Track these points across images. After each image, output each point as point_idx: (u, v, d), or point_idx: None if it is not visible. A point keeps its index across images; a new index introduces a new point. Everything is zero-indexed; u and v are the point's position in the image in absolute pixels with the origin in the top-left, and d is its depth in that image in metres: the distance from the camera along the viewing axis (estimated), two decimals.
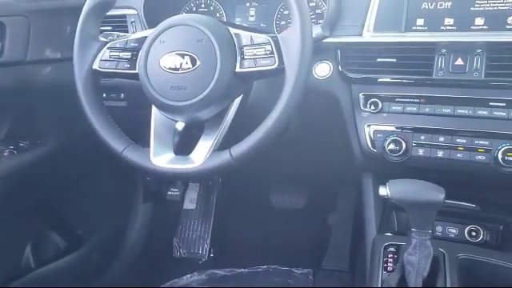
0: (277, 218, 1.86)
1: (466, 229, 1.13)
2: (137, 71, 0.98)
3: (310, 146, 1.37)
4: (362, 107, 1.10)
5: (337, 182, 1.78)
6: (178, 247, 1.83)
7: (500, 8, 1.00)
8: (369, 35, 1.08)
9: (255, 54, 0.92)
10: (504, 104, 1.00)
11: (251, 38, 0.93)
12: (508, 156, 0.98)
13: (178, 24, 0.95)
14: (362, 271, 1.14)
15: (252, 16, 1.31)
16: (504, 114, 1.00)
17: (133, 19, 1.28)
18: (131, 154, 0.99)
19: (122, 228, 1.81)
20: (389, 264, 1.01)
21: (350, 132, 1.14)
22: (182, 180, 1.49)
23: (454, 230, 1.14)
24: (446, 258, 0.96)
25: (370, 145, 1.10)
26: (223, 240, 1.86)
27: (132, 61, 1.00)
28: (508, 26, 0.99)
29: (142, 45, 0.98)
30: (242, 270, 1.73)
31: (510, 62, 0.99)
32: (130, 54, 1.01)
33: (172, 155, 0.98)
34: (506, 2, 0.99)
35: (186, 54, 0.92)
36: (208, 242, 1.82)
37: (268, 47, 0.92)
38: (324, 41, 1.09)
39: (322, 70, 1.14)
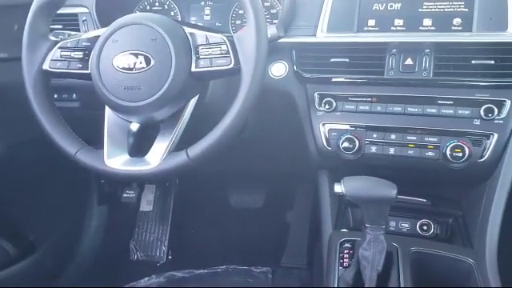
0: (235, 218, 1.87)
1: (418, 223, 1.17)
2: (89, 71, 0.95)
3: (268, 145, 1.38)
4: (317, 106, 1.12)
5: (294, 180, 1.80)
6: (134, 250, 1.80)
7: (446, 10, 1.04)
8: (322, 35, 1.10)
9: (211, 54, 0.92)
10: (451, 102, 1.04)
11: (206, 38, 0.93)
12: (456, 152, 1.02)
13: (131, 23, 0.94)
14: (320, 267, 1.15)
15: (207, 15, 1.31)
16: (451, 111, 1.04)
17: (84, 18, 1.25)
18: (84, 157, 0.96)
19: (76, 232, 1.76)
20: (345, 260, 1.03)
21: (306, 130, 1.15)
22: (138, 182, 1.47)
23: (406, 225, 1.18)
24: (399, 251, 0.99)
25: (325, 143, 1.12)
26: (181, 241, 1.85)
27: (84, 61, 0.97)
28: (453, 27, 1.03)
29: (94, 44, 0.95)
30: (201, 270, 1.72)
31: (456, 62, 1.03)
32: (81, 53, 0.98)
33: (127, 157, 0.96)
34: (452, 4, 1.03)
35: (140, 54, 0.91)
36: (166, 243, 1.80)
37: (224, 47, 0.92)
38: (279, 41, 1.10)
39: (278, 69, 1.15)
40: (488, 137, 1.01)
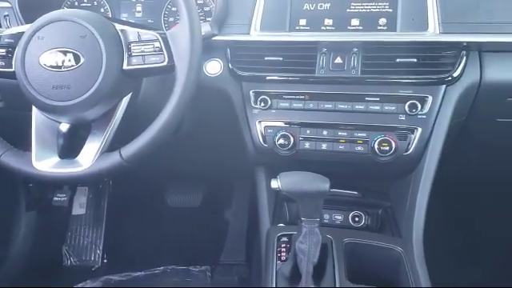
0: (173, 218, 1.84)
1: (350, 215, 1.22)
2: (13, 69, 0.91)
3: (205, 143, 1.37)
4: (252, 104, 1.13)
5: (231, 177, 1.81)
6: (67, 255, 1.73)
7: (372, 10, 1.09)
8: (256, 34, 1.12)
9: (143, 51, 0.90)
10: (378, 99, 1.09)
11: (138, 35, 0.91)
12: (383, 146, 1.07)
13: (58, 19, 0.90)
14: (258, 263, 1.17)
15: (139, 12, 1.28)
16: (378, 107, 1.09)
17: (6, 13, 1.18)
18: (10, 159, 0.91)
19: (4, 239, 1.66)
20: (282, 254, 1.04)
21: (242, 128, 1.16)
22: (69, 184, 1.41)
23: (339, 217, 1.23)
24: (334, 243, 1.02)
25: (261, 140, 1.13)
26: (117, 244, 1.80)
27: (7, 58, 0.92)
28: (379, 27, 1.08)
29: (18, 41, 0.90)
30: (139, 273, 1.69)
31: (381, 60, 1.08)
32: (4, 50, 0.93)
33: (57, 159, 0.93)
34: (377, 5, 1.08)
35: (69, 51, 0.88)
36: (101, 247, 1.75)
37: (157, 44, 0.90)
38: (213, 39, 1.11)
39: (213, 67, 1.15)
40: (412, 131, 1.07)
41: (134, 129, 0.91)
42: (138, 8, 1.28)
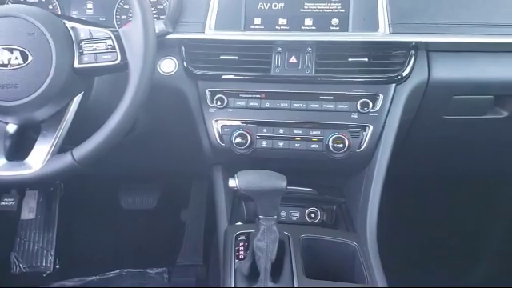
0: (128, 220, 1.81)
1: (306, 211, 1.24)
2: None
3: (160, 143, 1.35)
4: (209, 103, 1.13)
5: (188, 177, 1.79)
6: (16, 262, 1.66)
7: (325, 10, 1.11)
8: (211, 33, 1.11)
9: (95, 49, 0.88)
10: (332, 97, 1.11)
11: (90, 32, 0.89)
12: (337, 143, 1.10)
13: (3, 15, 0.86)
14: (216, 262, 1.17)
15: (90, 9, 1.24)
16: (332, 106, 1.11)
17: None
18: None
19: None
20: (240, 252, 1.04)
21: (199, 127, 1.15)
22: (18, 188, 1.36)
23: (296, 214, 1.24)
24: (291, 239, 1.03)
25: (218, 139, 1.13)
26: (70, 249, 1.74)
27: None
28: (332, 27, 1.10)
29: None
30: (93, 277, 1.64)
31: (334, 60, 1.10)
32: None
33: (4, 161, 0.89)
34: (330, 5, 1.10)
35: (16, 49, 0.84)
36: (52, 252, 1.68)
37: (109, 42, 0.88)
38: (168, 37, 1.09)
39: (168, 66, 1.13)
40: (364, 128, 1.10)
41: (87, 129, 0.89)
42: (89, 5, 1.24)
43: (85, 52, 0.88)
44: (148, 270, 1.68)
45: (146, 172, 1.66)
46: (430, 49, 1.12)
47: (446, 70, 1.13)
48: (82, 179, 1.41)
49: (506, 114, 1.20)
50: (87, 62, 0.88)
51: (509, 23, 1.09)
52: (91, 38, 0.88)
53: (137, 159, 1.46)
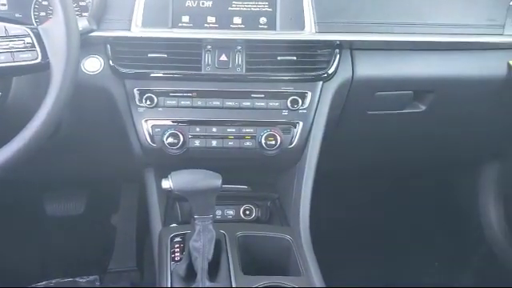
0: (54, 228, 1.71)
1: (241, 209, 1.25)
2: None
3: (86, 146, 1.30)
4: (137, 102, 1.10)
5: (118, 180, 1.73)
6: None
7: (253, 9, 1.12)
8: (137, 30, 1.08)
9: (12, 47, 0.83)
10: (263, 95, 1.13)
11: (6, 29, 0.83)
12: (269, 140, 1.11)
13: None
14: (151, 266, 1.14)
15: (3, 5, 1.16)
16: (263, 104, 1.13)
17: None
18: None
19: None
20: (176, 254, 1.03)
21: (127, 128, 1.12)
22: None
23: (231, 212, 1.25)
24: (227, 238, 1.04)
25: (149, 140, 1.10)
26: None
27: None
28: (260, 26, 1.11)
29: None
30: None
31: (264, 58, 1.12)
32: None
33: None
34: (257, 4, 1.12)
35: None
36: None
37: (28, 40, 0.83)
38: (92, 34, 1.05)
39: (92, 64, 1.09)
40: (295, 125, 1.13)
41: (6, 134, 0.83)
42: (3, 1, 1.16)
43: (0, 50, 0.82)
44: (78, 279, 1.61)
45: (73, 176, 1.58)
46: (353, 47, 1.17)
47: (369, 68, 1.19)
48: (1, 186, 1.32)
49: (423, 108, 1.29)
50: (3, 61, 0.83)
51: (426, 23, 1.17)
52: (7, 36, 0.83)
53: (62, 163, 1.39)
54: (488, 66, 1.24)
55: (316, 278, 1.00)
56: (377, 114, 1.29)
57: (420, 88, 1.25)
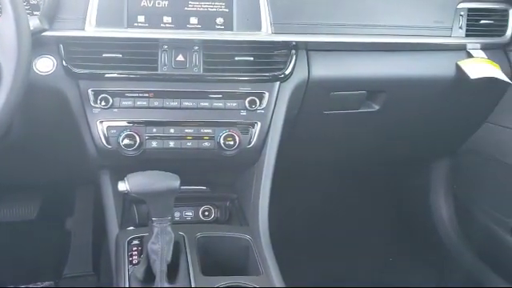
0: (5, 234, 1.65)
1: (200, 210, 1.25)
2: None
3: (40, 148, 1.25)
4: (92, 103, 1.08)
5: (72, 183, 1.69)
6: None
7: (209, 9, 1.12)
8: (91, 30, 1.06)
9: None
10: (221, 96, 1.13)
11: None
12: (228, 141, 1.11)
13: None
14: (108, 270, 1.12)
15: None
16: (221, 104, 1.13)
17: None
18: None
19: None
20: (134, 257, 1.01)
21: (82, 129, 1.09)
22: None
23: (190, 213, 1.24)
24: (186, 239, 1.03)
25: (104, 141, 1.08)
26: None
27: None
28: (217, 26, 1.12)
29: None
30: None
31: (221, 59, 1.12)
32: None
33: None
34: (214, 5, 1.12)
35: None
36: None
37: None
38: (44, 34, 1.01)
39: (44, 65, 1.06)
40: (253, 125, 1.14)
41: None
42: None
43: None
44: (31, 286, 1.55)
45: (25, 180, 1.53)
46: (309, 48, 1.20)
47: (324, 69, 1.21)
48: None
49: (377, 107, 1.33)
50: None
51: (378, 24, 1.21)
52: None
53: (13, 166, 1.33)
54: (437, 67, 1.30)
55: (275, 276, 1.01)
56: (332, 114, 1.32)
57: (373, 88, 1.29)
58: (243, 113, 1.13)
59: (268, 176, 1.18)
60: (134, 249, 1.03)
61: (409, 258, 1.83)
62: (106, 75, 1.08)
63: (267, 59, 1.16)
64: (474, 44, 1.31)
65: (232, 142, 1.11)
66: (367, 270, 1.77)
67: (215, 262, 1.04)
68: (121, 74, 1.08)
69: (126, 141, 1.07)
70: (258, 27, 1.13)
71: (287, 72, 1.15)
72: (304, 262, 1.68)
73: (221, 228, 1.16)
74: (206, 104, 1.12)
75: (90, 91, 1.08)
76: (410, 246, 1.88)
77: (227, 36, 1.12)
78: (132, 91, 1.09)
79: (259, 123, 1.14)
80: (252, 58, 1.13)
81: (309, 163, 1.68)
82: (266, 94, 1.14)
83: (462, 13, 1.29)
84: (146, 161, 1.10)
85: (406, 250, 1.86)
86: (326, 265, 1.75)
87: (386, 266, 1.82)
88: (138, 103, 1.09)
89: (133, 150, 1.08)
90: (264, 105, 1.14)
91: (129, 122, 1.09)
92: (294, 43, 1.16)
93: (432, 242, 1.83)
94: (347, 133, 1.45)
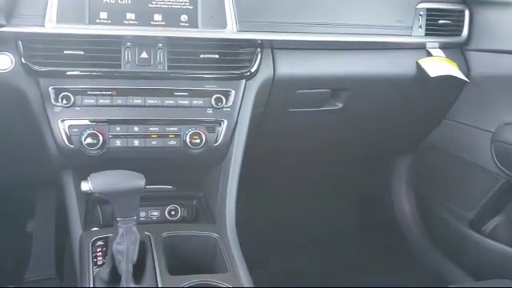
0: None
1: (166, 209, 1.24)
2: None
3: None
4: (53, 102, 1.05)
5: (33, 184, 1.64)
6: None
7: (174, 6, 1.10)
8: (51, 26, 1.03)
9: None
10: (186, 93, 1.12)
11: None
12: (194, 139, 1.11)
13: None
14: (72, 272, 1.09)
15: None
16: (187, 102, 1.12)
17: None
18: None
19: None
20: (99, 258, 1.00)
21: (43, 129, 1.07)
22: None
23: (156, 213, 1.23)
24: (152, 239, 1.02)
25: (66, 141, 1.06)
26: None
27: None
28: (182, 23, 1.11)
29: None
30: None
31: (186, 56, 1.11)
32: None
33: None
34: (178, 2, 1.11)
35: None
36: None
37: None
38: (1, 30, 0.98)
39: (3, 62, 1.03)
40: (220, 123, 1.14)
41: None
42: None
43: None
44: None
45: None
46: (274, 46, 1.20)
47: (289, 67, 1.22)
48: None
49: (340, 105, 1.35)
50: None
51: (341, 23, 1.23)
52: None
53: None
54: (398, 65, 1.33)
55: (243, 273, 1.01)
56: (298, 112, 1.33)
57: (336, 86, 1.31)
58: (209, 111, 1.13)
59: (235, 174, 1.18)
60: (99, 250, 1.01)
61: (373, 254, 1.87)
62: (68, 73, 1.05)
63: (233, 57, 1.16)
64: (433, 43, 1.36)
65: (198, 141, 1.11)
66: (332, 265, 1.80)
67: (182, 261, 1.04)
68: (83, 71, 1.06)
69: (89, 140, 1.05)
70: (223, 25, 1.12)
71: (253, 70, 1.16)
72: (271, 258, 1.69)
73: (187, 227, 1.15)
74: (172, 102, 1.11)
75: (50, 89, 1.05)
76: (374, 242, 1.92)
77: (192, 33, 1.11)
78: (94, 89, 1.07)
79: (225, 121, 1.14)
80: (217, 56, 1.13)
81: (275, 161, 1.69)
82: (232, 92, 1.14)
83: (421, 13, 1.32)
84: (109, 160, 1.07)
85: (370, 246, 1.90)
86: (292, 262, 1.76)
87: (350, 262, 1.85)
88: (101, 101, 1.07)
89: (96, 149, 1.06)
90: (230, 103, 1.14)
91: (91, 121, 1.07)
92: (259, 41, 1.16)
93: (395, 237, 1.87)
94: (311, 130, 1.47)
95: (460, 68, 1.35)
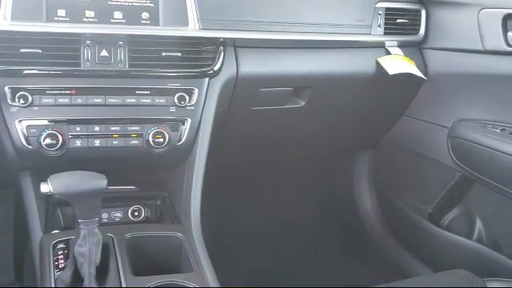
0: None
1: (130, 210, 1.22)
2: None
3: None
4: (9, 102, 1.02)
5: None
6: None
7: (134, 4, 1.09)
8: (6, 23, 1.00)
9: None
10: (148, 92, 1.11)
11: None
12: (157, 138, 1.10)
13: None
14: (32, 277, 1.06)
15: None
16: (149, 100, 1.11)
17: None
18: None
19: None
20: (60, 262, 0.97)
21: None
22: None
23: (118, 214, 1.21)
24: (115, 240, 1.01)
25: (24, 142, 1.03)
26: None
27: None
28: (143, 21, 1.09)
29: None
30: None
31: (148, 54, 1.10)
32: None
33: None
34: (139, 0, 1.09)
35: None
36: None
37: None
38: None
39: None
40: (183, 122, 1.13)
41: None
42: None
43: None
44: None
45: None
46: (237, 45, 1.21)
47: (252, 65, 1.23)
48: None
49: (303, 103, 1.37)
50: None
51: (302, 22, 1.25)
52: None
53: None
54: (358, 63, 1.36)
55: (208, 272, 1.01)
56: (261, 110, 1.34)
57: (298, 84, 1.33)
58: (172, 109, 1.12)
59: (200, 173, 1.18)
60: (60, 253, 0.99)
61: (335, 249, 1.90)
62: (25, 71, 1.02)
63: (195, 55, 1.15)
64: (391, 41, 1.39)
65: (161, 140, 1.10)
66: (295, 263, 1.82)
67: (147, 261, 1.03)
68: (41, 70, 1.03)
69: (48, 140, 1.02)
70: (185, 23, 1.12)
71: (216, 68, 1.16)
72: (238, 257, 1.70)
73: (151, 227, 1.14)
74: (133, 100, 1.09)
75: (6, 89, 1.02)
76: (336, 237, 1.95)
77: (153, 31, 1.10)
78: (53, 88, 1.04)
79: (189, 120, 1.13)
80: (180, 54, 1.12)
81: (239, 158, 1.69)
82: (196, 90, 1.14)
83: (380, 12, 1.36)
84: (70, 161, 1.05)
85: (332, 241, 1.94)
86: (257, 260, 1.77)
87: (314, 258, 1.88)
88: (60, 101, 1.04)
89: (55, 149, 1.03)
90: (194, 101, 1.14)
91: (50, 121, 1.04)
92: (221, 39, 1.16)
93: (357, 232, 1.91)
94: (275, 128, 1.49)
95: (418, 66, 1.40)
